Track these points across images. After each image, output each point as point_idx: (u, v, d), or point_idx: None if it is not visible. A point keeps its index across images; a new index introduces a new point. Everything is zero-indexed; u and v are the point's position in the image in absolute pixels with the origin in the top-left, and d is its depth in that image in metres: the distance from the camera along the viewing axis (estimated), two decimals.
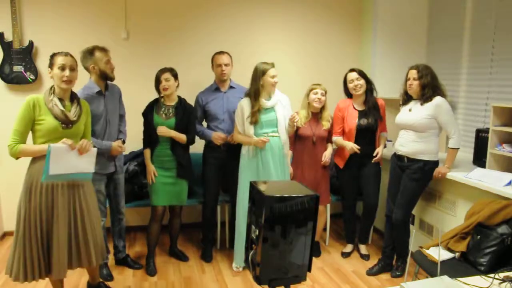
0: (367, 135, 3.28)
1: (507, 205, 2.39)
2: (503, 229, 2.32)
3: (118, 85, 3.09)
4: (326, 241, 3.81)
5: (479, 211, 2.49)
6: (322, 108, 3.40)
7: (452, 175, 2.89)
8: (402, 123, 3.02)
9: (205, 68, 3.46)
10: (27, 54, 3.60)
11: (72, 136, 2.34)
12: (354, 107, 3.33)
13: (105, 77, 2.86)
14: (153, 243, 3.25)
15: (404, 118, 3.00)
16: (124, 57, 3.78)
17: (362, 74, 3.26)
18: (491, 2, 3.23)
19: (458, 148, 2.89)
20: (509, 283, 1.72)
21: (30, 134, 2.33)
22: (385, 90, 3.71)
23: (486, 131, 2.84)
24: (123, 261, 3.27)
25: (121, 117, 3.10)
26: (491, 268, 2.17)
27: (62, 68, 2.29)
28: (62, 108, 2.31)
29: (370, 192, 3.40)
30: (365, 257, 3.51)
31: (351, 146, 3.25)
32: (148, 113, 3.12)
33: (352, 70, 3.30)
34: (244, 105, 3.10)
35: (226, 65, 3.32)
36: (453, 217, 3.03)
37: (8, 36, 3.58)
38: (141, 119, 3.16)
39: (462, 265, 2.39)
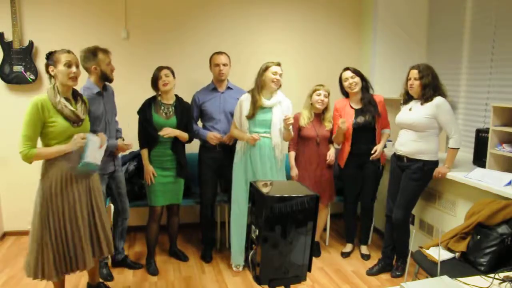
0: (366, 133, 3.28)
1: (507, 205, 2.39)
2: (503, 229, 2.32)
3: (118, 85, 3.09)
4: (326, 241, 3.81)
5: (479, 211, 2.49)
6: (325, 109, 3.40)
7: (452, 175, 2.88)
8: (402, 122, 3.02)
9: (205, 68, 3.46)
10: (27, 54, 3.60)
11: (83, 131, 2.38)
12: (351, 106, 3.33)
13: (105, 78, 2.86)
14: (153, 243, 3.25)
15: (404, 117, 3.00)
16: (124, 57, 3.78)
17: (356, 72, 3.27)
18: (491, 2, 3.23)
19: (458, 148, 2.89)
20: (509, 283, 1.72)
21: None
22: (385, 90, 3.71)
23: (486, 131, 2.84)
24: (122, 263, 3.27)
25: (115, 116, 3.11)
26: (491, 268, 2.17)
27: (69, 65, 2.27)
28: (72, 108, 2.30)
29: (366, 192, 3.42)
30: (365, 257, 3.51)
31: (340, 124, 3.19)
32: (147, 112, 3.07)
33: (346, 69, 3.31)
34: (244, 100, 3.10)
35: (224, 65, 3.32)
36: (453, 217, 3.03)
37: (8, 36, 3.58)
38: None
39: (462, 265, 2.39)
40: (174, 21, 3.91)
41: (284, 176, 3.22)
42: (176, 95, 3.17)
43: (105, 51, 2.83)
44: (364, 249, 3.58)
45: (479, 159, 2.92)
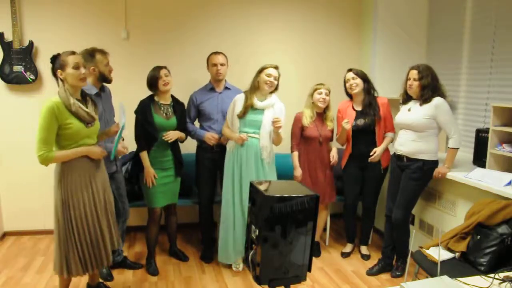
0: (366, 135, 3.27)
1: (507, 205, 2.39)
2: (503, 229, 2.32)
3: (118, 85, 3.09)
4: (326, 241, 3.81)
5: (479, 211, 2.49)
6: (326, 108, 3.40)
7: (452, 175, 2.88)
8: (401, 122, 3.02)
9: (205, 68, 3.46)
10: (27, 54, 3.60)
11: (94, 133, 2.43)
12: (353, 108, 3.33)
13: (103, 79, 2.86)
14: (153, 243, 3.25)
15: (403, 118, 3.00)
16: (124, 57, 3.78)
17: (358, 74, 3.25)
18: (491, 2, 3.23)
19: (458, 148, 2.89)
20: (509, 283, 1.72)
21: None
22: (385, 90, 3.71)
23: (486, 131, 2.83)
24: (121, 264, 3.26)
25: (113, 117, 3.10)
26: (491, 268, 2.17)
27: (77, 67, 2.28)
28: (87, 110, 2.33)
29: (367, 193, 3.42)
30: (365, 257, 3.51)
31: (343, 124, 3.23)
32: (147, 113, 3.02)
33: (349, 70, 3.30)
34: (238, 100, 3.10)
35: (221, 64, 3.32)
36: (453, 217, 3.03)
37: (8, 36, 3.58)
38: None
39: (462, 265, 2.39)
40: (174, 21, 3.91)
41: (274, 179, 3.19)
42: (171, 95, 3.17)
43: (103, 52, 2.82)
44: (364, 249, 3.58)
45: (479, 159, 2.92)
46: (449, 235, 2.56)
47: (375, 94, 3.32)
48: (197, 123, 3.51)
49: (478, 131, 2.97)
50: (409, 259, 2.18)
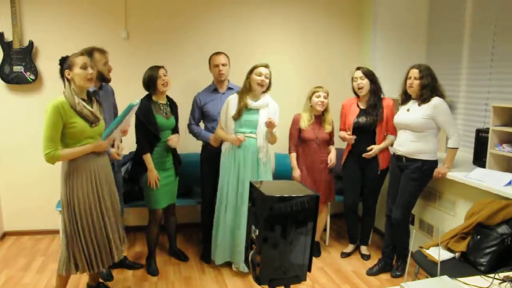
0: (366, 134, 3.27)
1: (507, 205, 2.39)
2: (503, 229, 2.32)
3: (118, 85, 3.08)
4: (326, 241, 3.81)
5: (479, 211, 2.50)
6: (325, 111, 3.40)
7: (452, 175, 2.88)
8: (400, 123, 3.02)
9: (205, 68, 3.46)
10: (27, 54, 3.60)
11: (98, 132, 2.44)
12: (358, 105, 3.32)
13: (101, 78, 2.85)
14: (154, 244, 3.25)
15: (402, 118, 3.00)
16: (124, 57, 3.78)
17: (366, 74, 3.22)
18: (491, 2, 3.23)
19: (457, 148, 2.89)
20: (509, 283, 1.72)
21: None
22: (385, 90, 3.70)
23: (486, 131, 2.83)
24: (121, 264, 3.25)
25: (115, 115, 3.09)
26: (491, 268, 2.17)
27: (85, 67, 2.31)
28: (91, 109, 2.36)
29: (368, 193, 3.43)
30: (365, 257, 3.51)
31: (343, 135, 3.31)
32: (150, 114, 2.98)
33: (358, 68, 3.28)
34: (231, 101, 3.09)
35: (223, 65, 3.31)
36: (453, 217, 3.03)
37: (8, 36, 3.58)
38: None
39: (462, 265, 2.39)
40: (174, 21, 3.91)
41: (270, 179, 3.19)
42: (166, 94, 3.16)
43: (102, 51, 2.82)
44: (364, 249, 3.58)
45: (479, 159, 2.92)
46: (449, 235, 2.56)
47: (382, 96, 3.31)
48: (201, 125, 3.50)
49: (478, 131, 2.97)
50: (409, 259, 2.17)
